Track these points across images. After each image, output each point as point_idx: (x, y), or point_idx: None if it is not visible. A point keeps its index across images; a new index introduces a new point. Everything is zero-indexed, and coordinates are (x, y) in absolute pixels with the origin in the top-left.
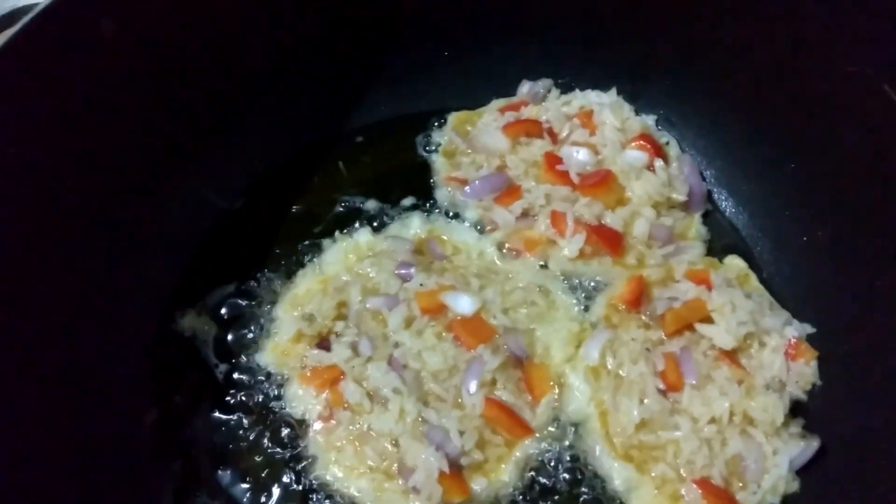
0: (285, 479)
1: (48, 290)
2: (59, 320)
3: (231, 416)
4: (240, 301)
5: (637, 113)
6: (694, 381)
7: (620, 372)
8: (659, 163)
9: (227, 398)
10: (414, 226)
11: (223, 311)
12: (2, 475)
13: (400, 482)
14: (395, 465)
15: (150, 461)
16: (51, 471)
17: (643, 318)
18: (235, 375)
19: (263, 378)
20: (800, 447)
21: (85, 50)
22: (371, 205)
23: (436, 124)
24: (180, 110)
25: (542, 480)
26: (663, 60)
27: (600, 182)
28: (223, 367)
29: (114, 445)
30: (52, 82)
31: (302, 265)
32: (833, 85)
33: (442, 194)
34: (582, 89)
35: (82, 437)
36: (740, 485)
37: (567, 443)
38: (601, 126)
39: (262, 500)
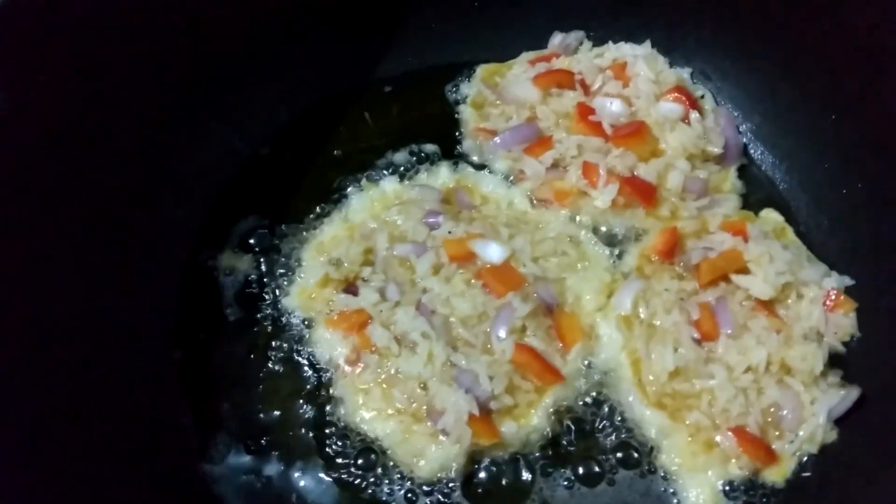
0: (312, 422)
1: (74, 230)
2: (83, 261)
3: (256, 359)
4: (265, 246)
5: (671, 66)
6: (730, 331)
7: (654, 321)
8: (694, 115)
9: (252, 341)
10: (442, 176)
11: (248, 255)
12: (27, 415)
13: (428, 424)
14: (424, 407)
15: (175, 401)
16: (77, 409)
17: (677, 269)
18: (260, 318)
19: (289, 321)
20: (839, 396)
21: None
22: (398, 155)
23: (464, 76)
24: (204, 55)
25: (573, 427)
26: (699, 12)
27: (634, 133)
28: (248, 310)
29: (139, 385)
30: (74, 25)
31: (327, 213)
32: (877, 33)
33: (470, 145)
34: (615, 42)
35: (109, 377)
36: (776, 434)
37: (598, 390)
38: (635, 78)
39: (288, 441)
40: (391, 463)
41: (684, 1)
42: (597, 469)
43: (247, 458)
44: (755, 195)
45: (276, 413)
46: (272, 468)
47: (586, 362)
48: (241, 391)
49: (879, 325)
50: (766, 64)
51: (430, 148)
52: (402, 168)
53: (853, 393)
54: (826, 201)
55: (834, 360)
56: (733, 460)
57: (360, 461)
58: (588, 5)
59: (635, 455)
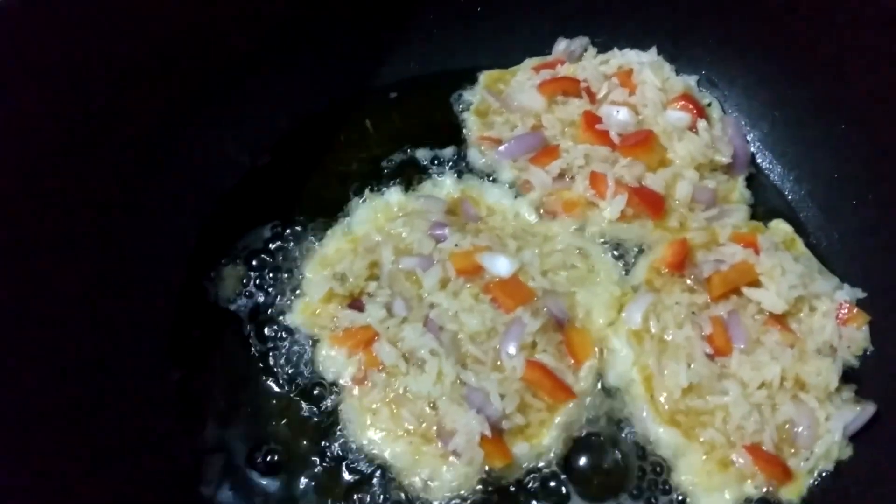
0: (317, 443)
1: (66, 244)
2: (76, 278)
3: (260, 379)
4: (266, 260)
5: (678, 73)
6: (743, 346)
7: (665, 336)
8: (702, 123)
9: (254, 359)
10: (446, 186)
11: (249, 270)
12: (16, 439)
13: (438, 445)
14: (434, 428)
15: (173, 422)
16: (71, 431)
17: (687, 281)
18: (264, 336)
19: (293, 339)
20: (854, 412)
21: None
22: (401, 164)
23: (468, 83)
24: (201, 63)
25: (586, 446)
26: (704, 18)
27: (642, 142)
28: (251, 329)
29: (135, 405)
30: (68, 31)
31: (330, 225)
32: (888, 38)
33: (475, 154)
34: (620, 48)
35: (108, 397)
36: (792, 451)
37: (611, 408)
38: (641, 86)
39: (293, 464)
40: (401, 486)
41: (689, 7)
42: (609, 489)
43: (247, 482)
44: (764, 205)
45: (280, 434)
46: (274, 492)
47: (598, 379)
48: (243, 412)
49: (893, 338)
50: (773, 70)
51: (432, 156)
52: (405, 177)
53: (869, 409)
54: (836, 212)
55: (847, 375)
56: (748, 480)
57: (368, 484)
58: (592, 11)
59: (649, 474)
